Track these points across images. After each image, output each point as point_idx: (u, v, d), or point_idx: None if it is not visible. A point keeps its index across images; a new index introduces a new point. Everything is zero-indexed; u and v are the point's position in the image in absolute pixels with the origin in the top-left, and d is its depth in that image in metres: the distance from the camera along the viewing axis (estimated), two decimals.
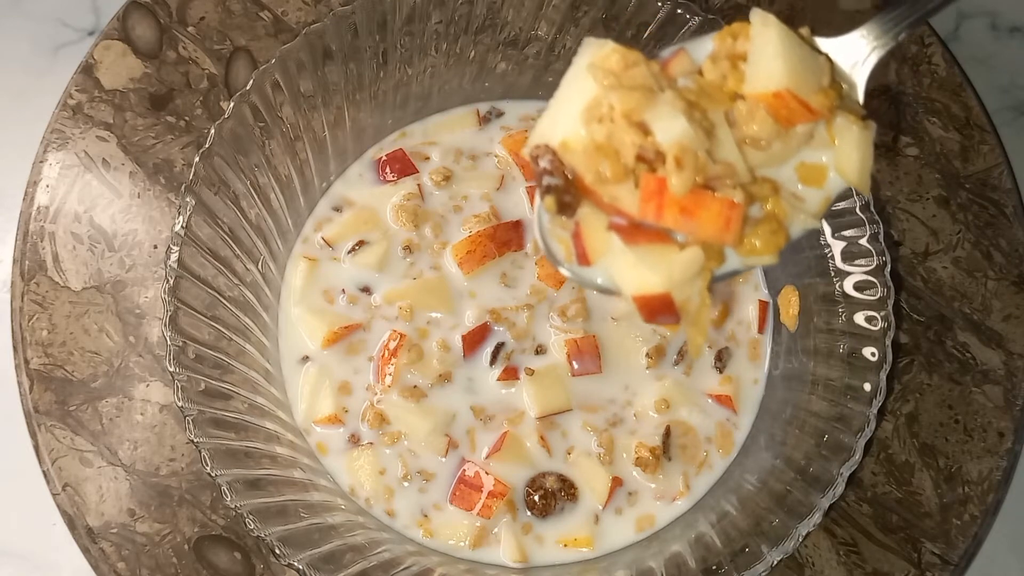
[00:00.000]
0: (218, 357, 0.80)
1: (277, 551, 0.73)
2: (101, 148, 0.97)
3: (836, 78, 0.62)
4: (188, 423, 0.75)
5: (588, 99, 0.60)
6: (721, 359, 0.92)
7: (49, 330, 0.93)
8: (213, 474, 0.74)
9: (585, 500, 0.89)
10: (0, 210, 1.16)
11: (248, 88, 0.79)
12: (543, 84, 0.91)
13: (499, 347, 0.90)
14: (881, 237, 0.81)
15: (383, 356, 0.90)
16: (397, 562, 0.80)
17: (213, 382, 0.78)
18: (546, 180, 0.60)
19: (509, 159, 0.95)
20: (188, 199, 0.78)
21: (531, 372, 0.90)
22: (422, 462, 0.89)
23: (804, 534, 0.76)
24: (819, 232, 0.83)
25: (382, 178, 0.95)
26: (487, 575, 0.85)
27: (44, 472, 0.91)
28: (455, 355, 0.90)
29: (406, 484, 0.88)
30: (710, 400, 0.91)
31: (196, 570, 0.89)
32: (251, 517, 0.73)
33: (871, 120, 0.61)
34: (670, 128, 0.57)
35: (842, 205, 0.82)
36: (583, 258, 0.63)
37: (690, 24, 0.81)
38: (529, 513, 0.88)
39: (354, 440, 0.89)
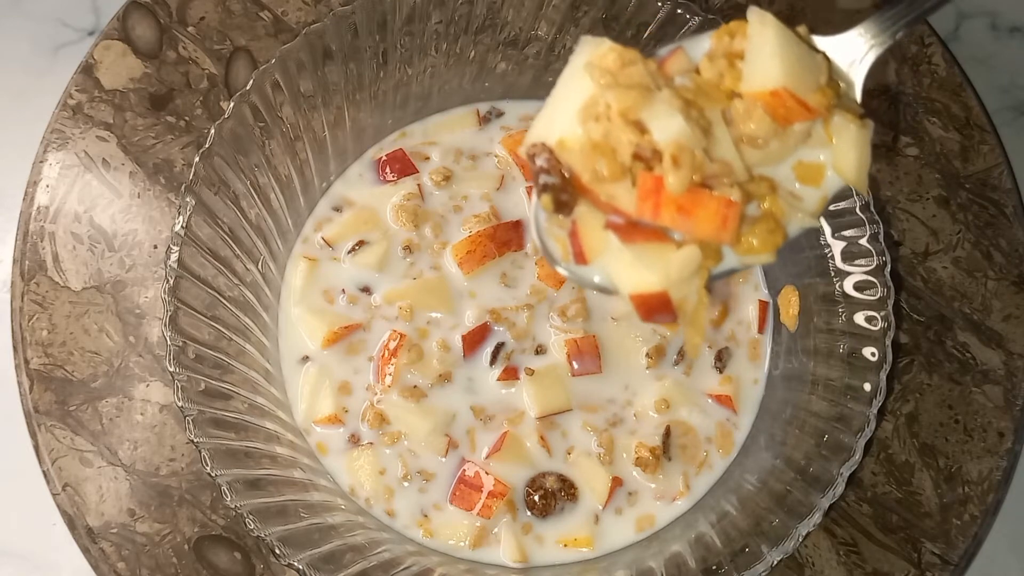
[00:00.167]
0: (218, 357, 0.80)
1: (277, 551, 0.73)
2: (101, 148, 0.97)
3: (834, 76, 0.62)
4: (188, 423, 0.75)
5: (585, 98, 0.60)
6: (721, 359, 0.92)
7: (49, 330, 0.93)
8: (213, 474, 0.74)
9: (585, 500, 0.89)
10: (0, 210, 1.16)
11: (248, 88, 0.79)
12: (543, 84, 0.91)
13: (499, 347, 0.90)
14: (881, 237, 0.81)
15: (383, 356, 0.90)
16: (397, 562, 0.80)
17: (213, 382, 0.78)
18: (543, 179, 0.60)
19: (509, 159, 0.95)
20: (188, 199, 0.78)
21: (531, 372, 0.90)
22: (422, 462, 0.89)
23: (804, 534, 0.76)
24: (819, 232, 0.83)
25: (382, 178, 0.95)
26: (487, 575, 0.85)
27: (44, 472, 0.91)
28: (455, 355, 0.90)
29: (406, 484, 0.88)
30: (710, 400, 0.91)
31: (196, 570, 0.89)
32: (251, 517, 0.73)
33: (869, 119, 0.61)
34: (667, 127, 0.57)
35: (842, 205, 0.81)
36: (580, 257, 0.63)
37: (690, 24, 0.81)
38: (529, 513, 0.88)
39: (354, 440, 0.89)
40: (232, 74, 0.98)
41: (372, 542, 0.81)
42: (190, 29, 0.99)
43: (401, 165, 0.94)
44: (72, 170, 0.96)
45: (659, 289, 0.60)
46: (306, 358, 0.90)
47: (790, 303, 0.89)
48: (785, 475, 0.81)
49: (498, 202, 0.94)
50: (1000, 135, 0.98)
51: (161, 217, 0.96)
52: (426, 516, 0.88)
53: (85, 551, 0.90)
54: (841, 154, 0.61)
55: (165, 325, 0.76)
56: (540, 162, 0.60)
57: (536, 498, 0.88)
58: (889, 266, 0.80)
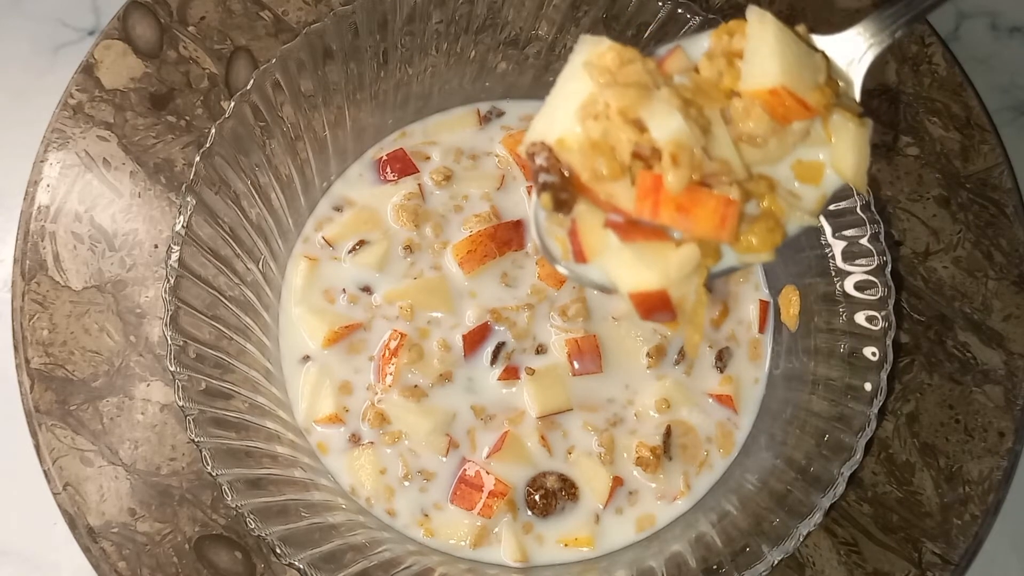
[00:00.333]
0: (219, 357, 0.80)
1: (278, 550, 0.73)
2: (102, 148, 0.97)
3: (832, 75, 0.62)
4: (189, 422, 0.75)
5: (584, 96, 0.60)
6: (722, 359, 0.92)
7: (50, 330, 0.93)
8: (214, 474, 0.74)
9: (586, 500, 0.89)
10: (0, 210, 1.16)
11: (249, 88, 0.79)
12: (544, 83, 0.91)
13: (499, 347, 0.90)
14: (882, 237, 0.81)
15: (384, 356, 0.90)
16: (398, 562, 0.80)
17: (214, 381, 0.78)
18: (542, 177, 0.60)
19: (509, 159, 0.95)
20: (189, 199, 0.78)
21: (531, 372, 0.90)
22: (423, 462, 0.89)
23: (805, 534, 0.76)
24: (820, 232, 0.83)
25: (382, 178, 0.95)
26: (488, 575, 0.85)
27: (45, 472, 0.91)
28: (456, 355, 0.90)
29: (407, 484, 0.88)
30: (711, 400, 0.91)
31: (197, 570, 0.89)
32: (252, 517, 0.73)
33: (868, 118, 0.61)
34: (666, 125, 0.57)
35: (843, 205, 0.81)
36: (580, 256, 0.63)
37: (691, 23, 0.81)
38: (530, 513, 0.88)
39: (355, 440, 0.89)
40: (232, 74, 0.98)
41: (373, 541, 0.81)
42: (190, 29, 0.99)
43: (402, 165, 0.94)
44: (73, 170, 0.96)
45: (658, 287, 0.60)
46: (307, 357, 0.90)
47: (791, 303, 0.89)
48: (786, 475, 0.81)
49: (498, 201, 0.94)
50: (1000, 135, 0.98)
51: (162, 217, 0.96)
52: (427, 516, 0.88)
53: (86, 550, 0.90)
54: (840, 153, 0.61)
55: (166, 324, 0.76)
56: (539, 161, 0.60)
57: (537, 498, 0.88)
58: (890, 266, 0.80)
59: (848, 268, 0.83)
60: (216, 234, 0.80)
